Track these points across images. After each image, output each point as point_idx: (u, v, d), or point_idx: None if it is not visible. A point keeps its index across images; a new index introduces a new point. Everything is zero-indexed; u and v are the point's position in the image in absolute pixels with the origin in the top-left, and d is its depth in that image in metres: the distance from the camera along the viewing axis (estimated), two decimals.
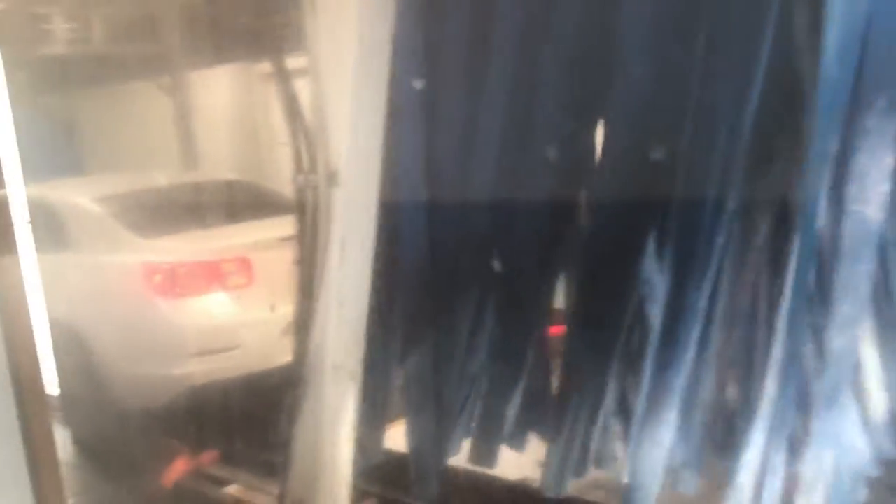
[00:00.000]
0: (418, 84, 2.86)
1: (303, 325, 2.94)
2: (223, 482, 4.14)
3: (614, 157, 2.68)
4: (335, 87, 2.73)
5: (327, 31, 2.71)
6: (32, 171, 4.91)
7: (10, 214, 2.00)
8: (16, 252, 1.99)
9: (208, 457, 4.32)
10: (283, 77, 2.84)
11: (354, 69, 2.68)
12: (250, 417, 4.28)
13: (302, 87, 2.84)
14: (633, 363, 2.88)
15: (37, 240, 4.77)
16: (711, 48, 2.39)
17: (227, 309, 4.69)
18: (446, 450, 3.22)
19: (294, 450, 3.06)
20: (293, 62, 2.91)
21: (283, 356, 3.22)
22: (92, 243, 5.08)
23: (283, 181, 3.39)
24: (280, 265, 3.18)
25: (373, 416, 3.27)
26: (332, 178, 2.77)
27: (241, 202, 5.32)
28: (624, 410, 2.96)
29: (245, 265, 4.71)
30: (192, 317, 4.67)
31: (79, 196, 5.24)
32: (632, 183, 2.65)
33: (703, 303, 2.57)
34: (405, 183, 2.98)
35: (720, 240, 2.51)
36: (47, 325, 4.85)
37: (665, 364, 2.64)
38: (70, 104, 6.61)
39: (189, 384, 4.56)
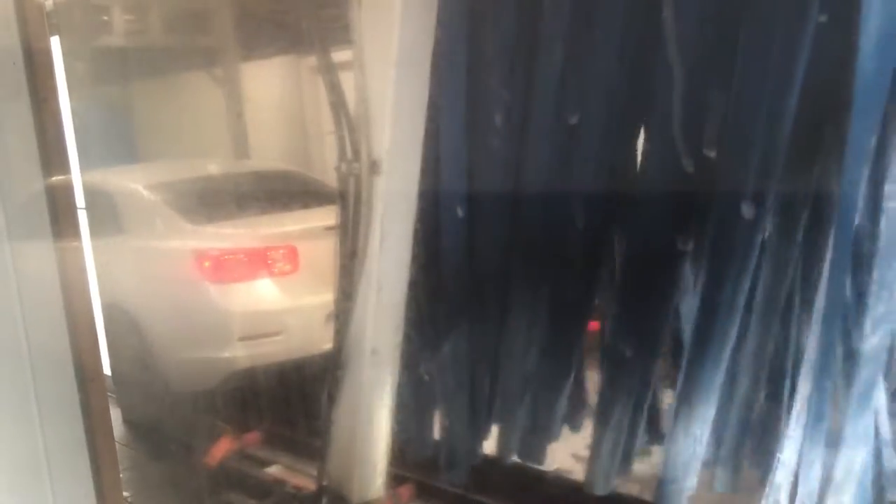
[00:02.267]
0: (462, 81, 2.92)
1: (343, 311, 3.00)
2: (265, 463, 4.23)
3: (656, 154, 2.70)
4: (379, 79, 2.78)
5: (372, 25, 2.77)
6: (89, 158, 5.05)
7: (73, 200, 2.07)
8: (78, 237, 2.06)
9: (251, 438, 4.42)
10: (329, 68, 2.90)
11: (397, 62, 2.74)
12: (292, 401, 4.37)
13: (347, 79, 2.90)
14: (672, 359, 2.91)
15: (92, 225, 4.91)
16: (752, 46, 2.40)
17: (272, 295, 4.77)
18: (480, 439, 3.28)
19: (332, 433, 3.13)
20: (339, 55, 2.97)
21: (326, 342, 3.28)
22: (145, 229, 5.19)
23: (329, 172, 3.45)
24: (325, 253, 3.23)
25: (418, 407, 3.34)
26: (374, 166, 2.83)
27: (289, 191, 5.40)
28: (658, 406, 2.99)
29: (291, 253, 4.79)
30: (239, 302, 4.76)
31: (133, 183, 5.36)
32: (672, 181, 2.66)
33: (739, 299, 2.58)
34: (448, 173, 3.03)
35: (757, 237, 2.52)
36: (101, 308, 4.98)
37: (700, 360, 2.66)
38: (126, 94, 6.75)
39: (234, 367, 4.66)
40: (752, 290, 2.59)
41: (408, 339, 3.12)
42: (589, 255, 2.92)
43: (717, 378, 2.66)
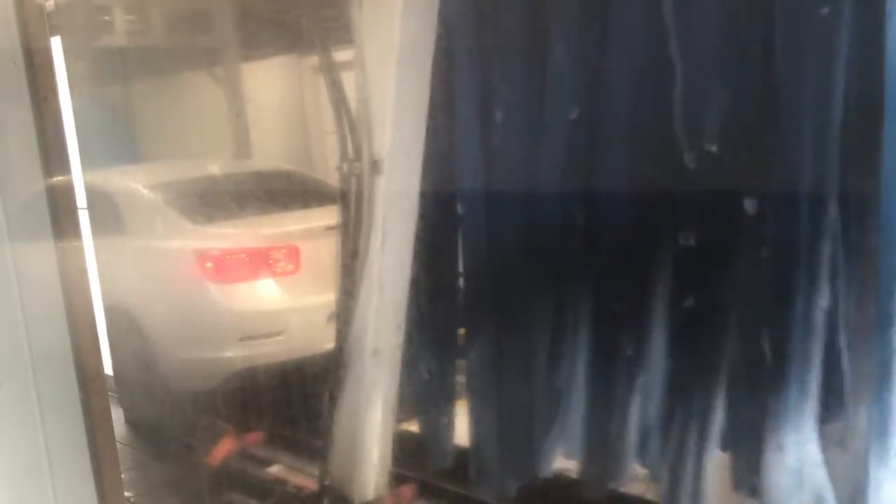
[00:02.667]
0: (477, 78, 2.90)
1: (345, 311, 3.00)
2: (266, 462, 4.23)
3: (658, 149, 2.68)
4: (380, 79, 2.79)
5: (373, 25, 2.77)
6: (90, 158, 5.05)
7: (74, 200, 2.07)
8: (79, 237, 2.06)
9: (253, 438, 4.42)
10: (330, 68, 2.90)
11: (398, 61, 2.74)
12: (293, 401, 4.36)
13: (348, 79, 2.90)
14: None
15: (94, 225, 4.91)
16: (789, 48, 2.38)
17: (274, 295, 4.77)
18: (523, 453, 3.20)
19: (334, 432, 3.13)
20: (340, 55, 2.97)
21: (328, 342, 3.28)
22: (146, 229, 5.19)
23: (330, 171, 3.45)
24: (327, 253, 3.23)
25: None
26: (375, 166, 2.83)
27: (291, 191, 5.40)
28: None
29: (293, 253, 4.79)
30: (241, 302, 4.76)
31: (135, 183, 5.35)
32: (673, 176, 2.65)
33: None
34: (448, 170, 3.02)
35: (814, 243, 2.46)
36: (102, 308, 4.98)
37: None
38: (127, 94, 6.75)
39: (236, 367, 4.66)
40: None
41: (409, 339, 3.11)
42: (590, 253, 2.89)
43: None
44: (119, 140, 6.28)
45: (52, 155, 1.98)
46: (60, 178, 1.99)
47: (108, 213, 5.09)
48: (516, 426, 3.17)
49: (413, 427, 3.72)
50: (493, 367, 3.16)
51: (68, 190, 2.06)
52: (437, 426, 3.41)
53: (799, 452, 2.56)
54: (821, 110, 2.35)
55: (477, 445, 3.26)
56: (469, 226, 3.12)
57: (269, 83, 7.38)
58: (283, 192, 5.36)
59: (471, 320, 3.23)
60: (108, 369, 5.02)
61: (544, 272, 2.98)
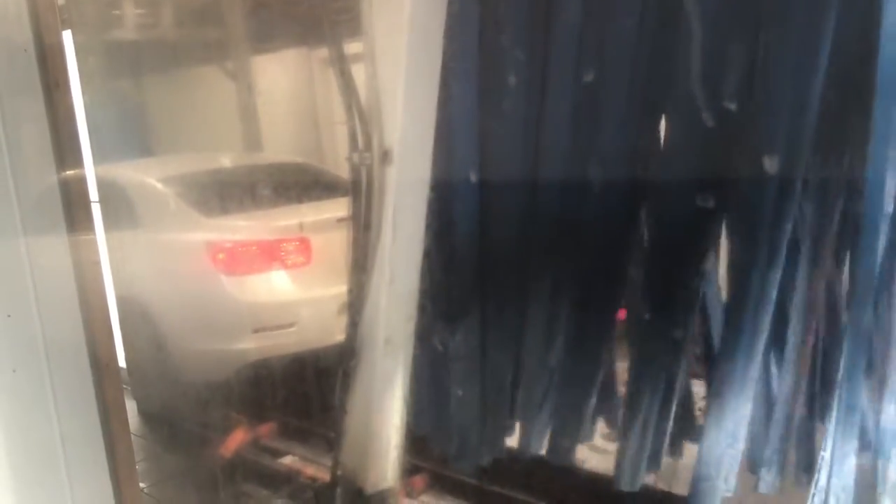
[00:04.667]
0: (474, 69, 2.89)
1: (356, 300, 3.01)
2: (279, 453, 4.25)
3: (677, 141, 2.64)
4: (389, 69, 2.78)
5: (383, 14, 2.76)
6: (103, 152, 5.07)
7: (87, 193, 2.08)
8: (92, 230, 2.08)
9: (265, 429, 4.45)
10: (340, 58, 2.90)
11: (408, 52, 2.73)
12: (306, 392, 4.39)
13: (358, 70, 2.90)
14: (703, 353, 2.85)
15: (106, 218, 4.93)
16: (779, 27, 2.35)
17: (286, 287, 4.79)
18: (500, 430, 3.21)
19: (346, 422, 3.14)
20: (350, 46, 2.97)
21: (340, 333, 3.29)
22: (159, 222, 5.22)
23: (341, 163, 3.46)
24: (338, 246, 3.24)
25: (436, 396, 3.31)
26: (385, 156, 2.83)
27: (302, 183, 5.41)
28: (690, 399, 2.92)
29: (304, 245, 4.81)
30: (253, 294, 4.79)
31: (147, 176, 5.38)
32: (696, 165, 2.60)
33: (770, 290, 2.50)
34: (460, 161, 3.00)
35: (787, 225, 2.45)
36: (115, 301, 5.01)
37: (731, 348, 2.59)
38: (138, 87, 6.77)
39: (248, 359, 4.68)
40: (786, 280, 2.51)
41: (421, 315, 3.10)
42: (608, 221, 2.84)
43: (750, 369, 2.57)
44: (131, 133, 6.30)
45: (64, 149, 2.00)
46: (73, 170, 2.01)
47: (121, 206, 5.12)
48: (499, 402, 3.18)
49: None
50: (478, 351, 3.15)
51: (81, 182, 2.08)
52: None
53: None
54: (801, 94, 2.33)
55: (458, 425, 3.25)
56: (462, 193, 3.06)
57: (280, 76, 7.38)
58: (294, 184, 5.38)
59: (455, 306, 3.20)
60: (122, 361, 5.05)
61: (550, 246, 2.96)
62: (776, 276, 2.50)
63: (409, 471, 3.34)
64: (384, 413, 3.05)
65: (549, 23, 2.75)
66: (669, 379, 2.78)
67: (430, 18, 2.75)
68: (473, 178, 2.97)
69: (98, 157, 4.89)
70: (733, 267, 2.60)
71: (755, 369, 2.58)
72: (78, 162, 2.07)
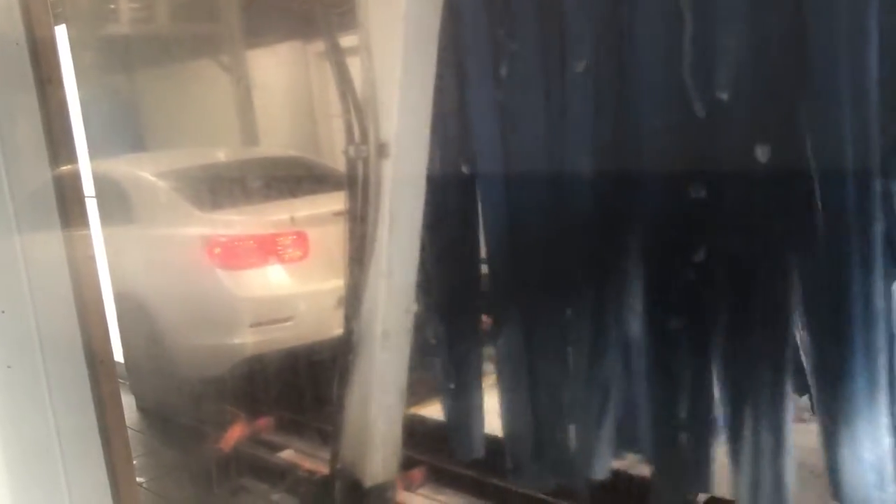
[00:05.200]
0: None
1: (353, 295, 3.00)
2: (277, 447, 4.25)
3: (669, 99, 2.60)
4: (386, 62, 2.77)
5: (379, 7, 2.75)
6: (98, 147, 5.06)
7: (81, 189, 2.07)
8: (87, 226, 2.07)
9: (263, 423, 4.44)
10: (336, 50, 2.89)
11: (405, 43, 2.72)
12: (304, 386, 4.38)
13: (354, 63, 2.89)
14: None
15: (102, 214, 4.92)
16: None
17: (283, 281, 4.78)
18: (560, 442, 3.14)
19: (345, 416, 3.14)
20: (346, 39, 2.96)
21: (337, 327, 3.29)
22: (155, 217, 5.20)
23: (337, 157, 3.46)
24: (335, 239, 3.23)
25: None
26: (381, 149, 2.82)
27: (298, 177, 5.40)
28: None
29: (301, 239, 4.80)
30: (250, 288, 4.78)
31: (143, 171, 5.37)
32: (684, 126, 2.57)
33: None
34: (485, 155, 2.98)
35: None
36: (112, 297, 5.00)
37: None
38: (134, 82, 6.76)
39: (246, 353, 4.68)
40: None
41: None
42: (602, 215, 2.83)
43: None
44: (126, 128, 6.28)
45: (58, 142, 1.98)
46: (67, 165, 2.00)
47: (117, 201, 5.10)
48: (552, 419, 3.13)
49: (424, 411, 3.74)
50: (524, 356, 3.11)
51: (75, 176, 2.07)
52: (464, 417, 3.39)
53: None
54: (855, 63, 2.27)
55: (510, 437, 3.23)
56: (489, 205, 3.08)
57: (276, 69, 7.37)
58: (290, 178, 5.36)
59: (496, 308, 3.19)
60: (119, 356, 5.05)
61: (579, 254, 2.91)
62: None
63: (407, 464, 3.34)
64: (382, 407, 3.05)
65: (543, 15, 2.75)
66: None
67: (426, 11, 2.73)
68: (466, 169, 2.98)
69: (94, 152, 4.88)
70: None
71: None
72: (72, 157, 2.05)
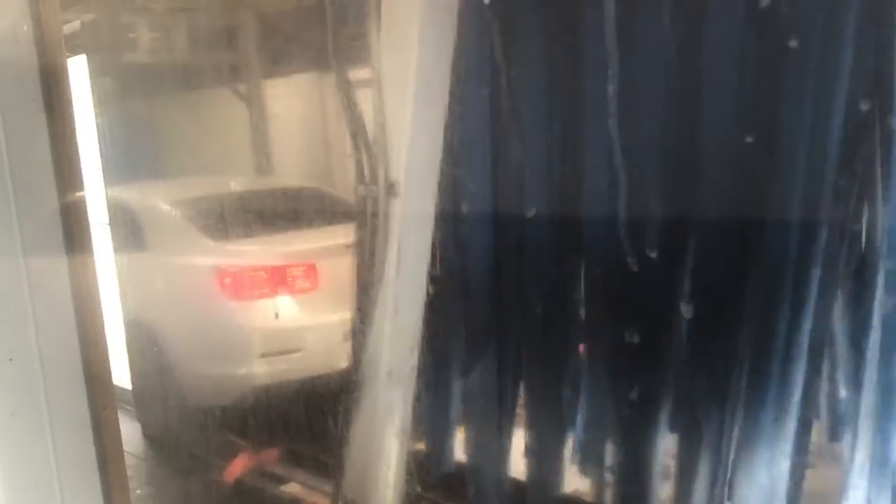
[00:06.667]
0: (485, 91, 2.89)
1: (360, 332, 2.99)
2: (281, 480, 4.22)
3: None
4: (396, 101, 2.79)
5: (390, 48, 2.77)
6: (113, 174, 5.09)
7: (87, 216, 2.08)
8: (91, 252, 2.07)
9: (269, 455, 4.42)
10: (347, 90, 2.90)
11: (415, 84, 2.73)
12: (310, 419, 4.36)
13: (365, 97, 2.90)
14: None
15: (115, 241, 4.95)
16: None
17: (292, 312, 4.78)
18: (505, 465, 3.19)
19: (348, 451, 3.12)
20: (358, 75, 2.97)
21: (344, 360, 3.28)
22: (167, 245, 5.23)
23: (349, 189, 3.46)
24: (345, 271, 3.23)
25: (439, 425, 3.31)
26: (391, 188, 2.83)
27: (310, 209, 5.42)
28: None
29: (311, 270, 4.80)
30: (259, 319, 4.78)
31: (156, 199, 5.40)
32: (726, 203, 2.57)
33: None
34: (474, 193, 3.00)
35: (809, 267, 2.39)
36: (122, 323, 5.02)
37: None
38: (151, 110, 6.82)
39: (253, 384, 4.67)
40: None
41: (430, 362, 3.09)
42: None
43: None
44: (143, 156, 6.33)
45: (65, 172, 1.99)
46: (74, 192, 2.00)
47: (130, 228, 5.14)
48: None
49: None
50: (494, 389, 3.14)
51: (81, 204, 2.08)
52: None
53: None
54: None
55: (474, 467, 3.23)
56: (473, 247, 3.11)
57: (292, 100, 7.42)
58: (302, 209, 5.38)
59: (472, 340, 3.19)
60: (128, 384, 5.05)
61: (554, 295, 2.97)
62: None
63: (409, 501, 3.31)
64: (386, 444, 3.03)
65: (555, 55, 2.75)
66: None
67: (439, 51, 2.75)
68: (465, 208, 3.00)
69: (109, 179, 4.91)
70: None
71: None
72: (79, 184, 2.06)
